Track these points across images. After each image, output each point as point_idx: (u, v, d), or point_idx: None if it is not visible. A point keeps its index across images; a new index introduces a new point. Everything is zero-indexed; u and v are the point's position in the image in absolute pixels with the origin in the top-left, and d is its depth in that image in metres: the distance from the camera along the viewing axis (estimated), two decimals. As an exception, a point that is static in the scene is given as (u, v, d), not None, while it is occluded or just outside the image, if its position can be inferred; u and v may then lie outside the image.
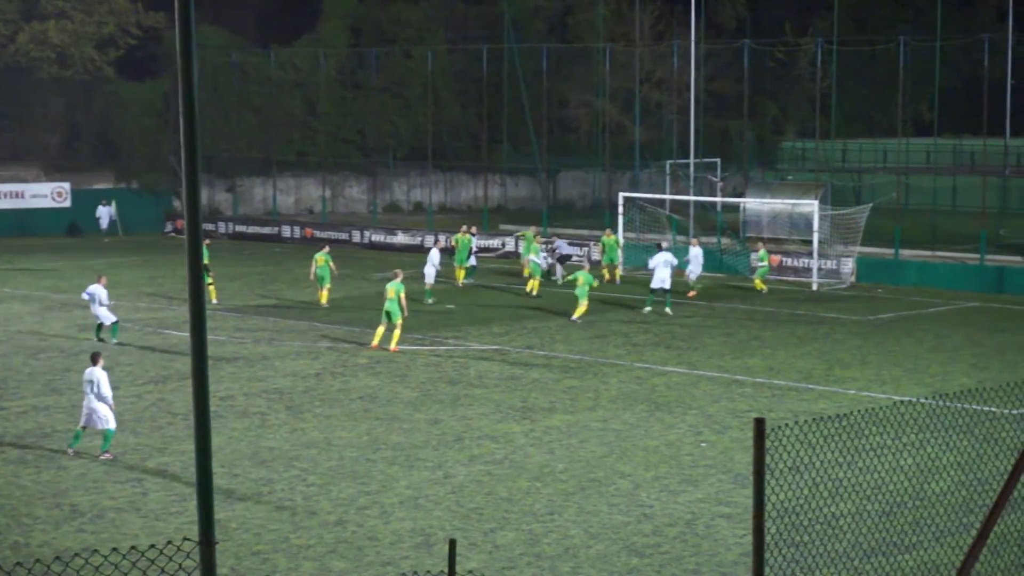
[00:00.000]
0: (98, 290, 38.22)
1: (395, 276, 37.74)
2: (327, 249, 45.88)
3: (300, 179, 78.82)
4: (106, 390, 25.47)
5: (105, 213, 69.46)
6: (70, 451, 25.82)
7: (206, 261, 43.90)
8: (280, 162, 76.00)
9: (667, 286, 44.01)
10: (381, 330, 36.99)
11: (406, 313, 36.97)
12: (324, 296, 45.12)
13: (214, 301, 44.44)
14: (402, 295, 36.72)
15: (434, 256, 46.83)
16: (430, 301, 45.48)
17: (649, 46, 73.03)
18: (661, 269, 44.05)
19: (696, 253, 49.14)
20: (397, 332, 36.80)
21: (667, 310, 43.49)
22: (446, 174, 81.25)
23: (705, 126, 66.28)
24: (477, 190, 78.67)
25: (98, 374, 25.54)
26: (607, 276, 50.97)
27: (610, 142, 68.13)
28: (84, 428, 25.81)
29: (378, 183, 76.88)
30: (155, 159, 74.38)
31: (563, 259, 53.52)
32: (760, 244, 51.92)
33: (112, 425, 25.53)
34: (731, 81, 72.41)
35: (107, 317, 38.19)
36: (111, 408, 25.66)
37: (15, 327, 41.35)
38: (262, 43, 78.14)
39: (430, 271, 46.48)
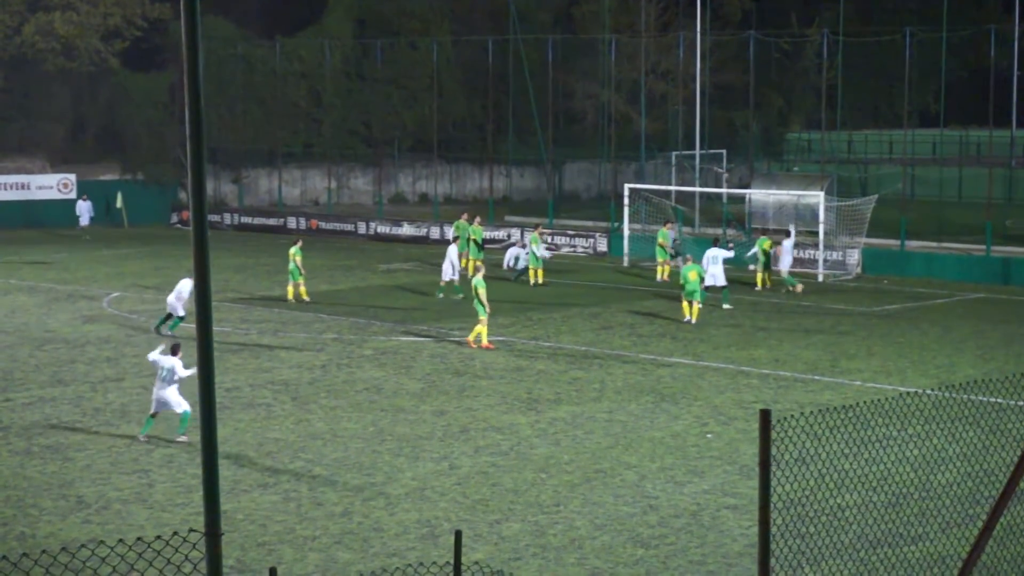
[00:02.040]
0: (185, 285, 37.62)
1: (477, 271, 37.37)
2: (300, 244, 44.95)
3: (305, 170, 78.84)
4: (181, 373, 25.89)
5: (85, 209, 66.99)
6: (141, 437, 26.15)
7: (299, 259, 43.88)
8: (285, 153, 76.07)
9: (720, 282, 43.48)
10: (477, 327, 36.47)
11: (488, 309, 36.12)
12: (291, 291, 44.09)
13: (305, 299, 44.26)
14: (480, 290, 35.71)
15: (452, 252, 45.56)
16: (440, 296, 45.29)
17: (655, 37, 72.93)
18: (712, 265, 43.64)
19: (788, 245, 48.67)
20: (481, 328, 35.94)
21: (725, 306, 42.98)
22: (451, 165, 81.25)
23: (711, 117, 66.18)
24: (482, 181, 78.67)
25: (174, 362, 26.11)
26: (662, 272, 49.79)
27: (615, 133, 68.05)
28: (155, 415, 26.28)
29: (383, 174, 76.83)
30: (161, 150, 74.43)
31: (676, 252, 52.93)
32: (762, 235, 51.47)
33: (187, 407, 25.88)
34: (737, 72, 72.30)
35: (175, 308, 37.76)
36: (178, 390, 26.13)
37: (21, 319, 41.38)
38: (267, 34, 78.12)
39: (447, 267, 45.12)
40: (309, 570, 18.78)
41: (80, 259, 56.66)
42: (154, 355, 26.79)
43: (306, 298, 44.12)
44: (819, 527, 18.88)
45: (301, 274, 44.13)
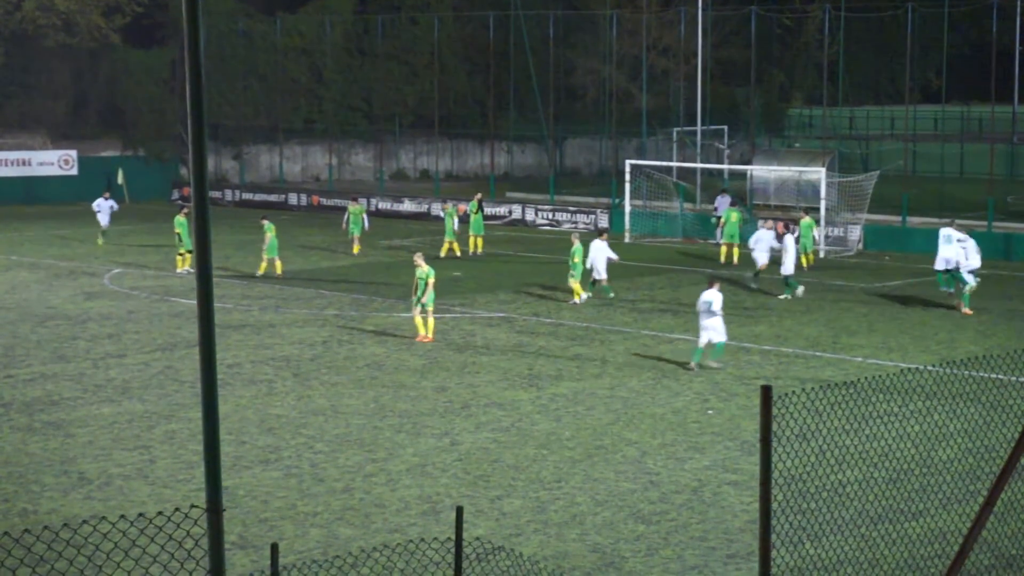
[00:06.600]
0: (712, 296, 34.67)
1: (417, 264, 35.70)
2: (267, 220, 45.76)
3: (306, 147, 78.81)
4: (718, 308, 29.57)
5: (106, 207, 55.02)
6: (693, 365, 29.80)
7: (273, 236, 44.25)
8: (286, 130, 76.02)
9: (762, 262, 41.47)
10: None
11: (420, 297, 34.74)
12: (279, 266, 44.75)
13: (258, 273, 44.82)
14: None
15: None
16: (611, 295, 40.62)
17: (656, 13, 72.79)
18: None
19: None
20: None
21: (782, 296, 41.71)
22: (452, 141, 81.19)
23: (712, 93, 66.08)
24: (483, 157, 78.63)
25: (714, 296, 29.66)
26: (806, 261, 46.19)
27: (617, 109, 67.94)
28: (704, 345, 29.84)
29: (384, 151, 76.81)
30: (162, 127, 74.42)
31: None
32: (803, 214, 49.20)
33: (724, 338, 29.96)
34: (738, 48, 72.18)
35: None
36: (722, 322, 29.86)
37: (22, 295, 41.40)
38: (268, 10, 78.00)
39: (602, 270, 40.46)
40: (311, 546, 18.81)
41: (82, 235, 56.56)
42: (705, 295, 29.85)
43: (261, 273, 44.76)
44: (820, 503, 18.91)
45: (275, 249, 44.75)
